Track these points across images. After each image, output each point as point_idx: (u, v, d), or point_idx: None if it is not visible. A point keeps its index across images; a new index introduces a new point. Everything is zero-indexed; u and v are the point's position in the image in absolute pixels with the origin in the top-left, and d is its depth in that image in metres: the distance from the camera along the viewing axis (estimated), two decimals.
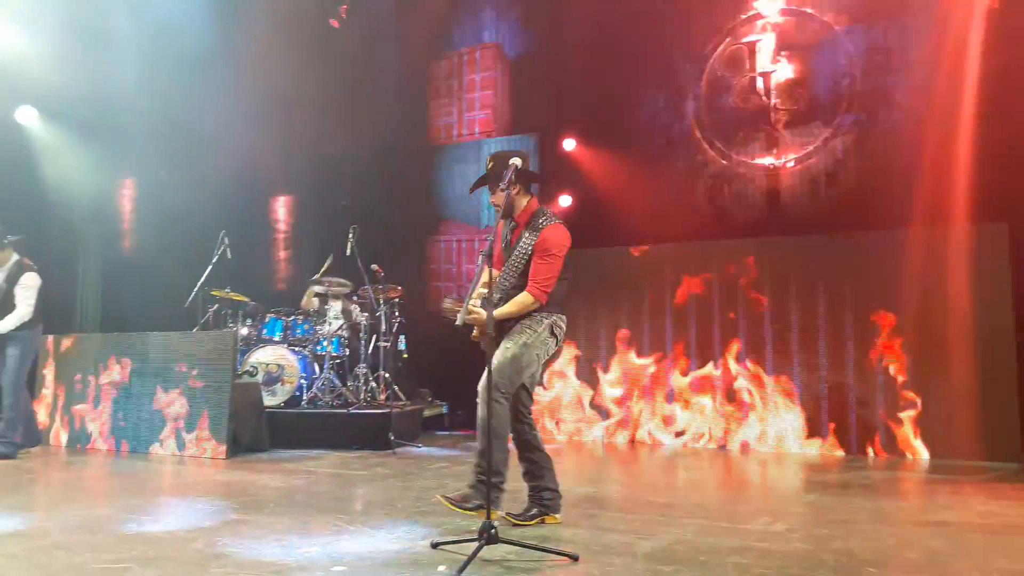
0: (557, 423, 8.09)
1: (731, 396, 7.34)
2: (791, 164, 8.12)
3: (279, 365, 7.68)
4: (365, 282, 7.86)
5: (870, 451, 6.76)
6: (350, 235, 7.90)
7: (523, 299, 3.99)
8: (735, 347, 7.37)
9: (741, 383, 7.31)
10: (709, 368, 7.45)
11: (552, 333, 4.06)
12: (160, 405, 6.91)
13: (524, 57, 9.89)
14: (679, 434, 7.52)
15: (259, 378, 7.54)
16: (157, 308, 8.64)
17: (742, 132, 8.37)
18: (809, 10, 8.13)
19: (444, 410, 9.05)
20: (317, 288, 8.11)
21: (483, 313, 3.99)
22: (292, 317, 8.12)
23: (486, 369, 3.70)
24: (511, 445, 4.05)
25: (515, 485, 4.14)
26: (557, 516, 4.08)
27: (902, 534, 3.86)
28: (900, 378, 6.74)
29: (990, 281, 6.50)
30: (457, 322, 3.83)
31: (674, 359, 7.62)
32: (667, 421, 7.59)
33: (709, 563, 3.30)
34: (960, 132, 7.09)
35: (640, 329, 7.82)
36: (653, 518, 4.22)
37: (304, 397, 7.71)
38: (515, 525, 3.96)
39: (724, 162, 8.43)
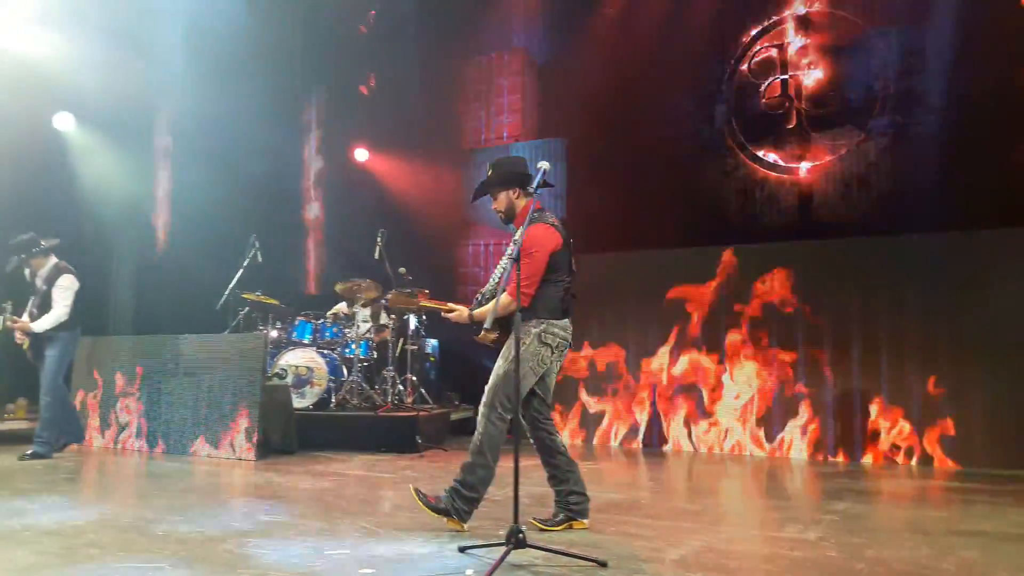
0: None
1: (761, 402, 7.26)
2: (823, 168, 8.04)
3: (308, 368, 7.74)
4: (392, 286, 7.90)
5: (904, 459, 6.65)
6: (379, 239, 7.95)
7: (501, 300, 3.94)
8: (765, 352, 7.28)
9: (772, 389, 7.22)
10: (738, 373, 7.38)
11: (542, 342, 3.96)
12: (191, 407, 7.00)
13: (552, 62, 9.90)
14: (708, 439, 7.46)
15: (289, 380, 7.60)
16: (189, 310, 8.75)
17: (773, 135, 8.30)
18: (842, 12, 8.05)
19: (471, 414, 9.05)
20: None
21: (463, 310, 4.11)
22: (321, 320, 8.18)
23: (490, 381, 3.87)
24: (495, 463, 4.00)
25: (541, 490, 4.13)
26: (585, 521, 4.06)
27: (937, 543, 3.79)
28: (934, 385, 6.62)
29: None
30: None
31: (702, 363, 7.55)
32: (695, 427, 7.52)
33: (739, 571, 3.27)
34: (995, 135, 6.99)
35: (665, 333, 7.75)
36: (682, 524, 4.18)
37: (333, 400, 7.77)
38: (542, 530, 3.95)
39: (754, 166, 8.37)
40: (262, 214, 9.27)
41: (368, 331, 8.05)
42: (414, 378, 8.19)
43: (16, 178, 8.68)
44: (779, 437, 7.15)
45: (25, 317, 6.63)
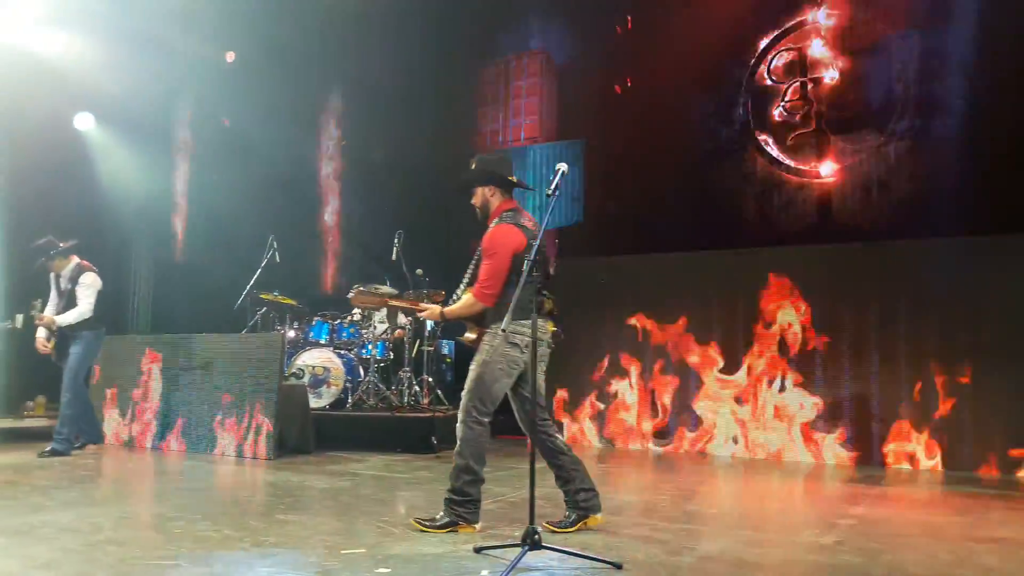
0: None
1: (777, 406, 7.21)
2: (843, 171, 7.99)
3: (325, 368, 7.78)
4: (410, 287, 7.92)
5: (922, 464, 6.58)
6: (396, 241, 7.97)
7: (466, 299, 4.01)
8: (782, 356, 7.23)
9: (789, 393, 7.18)
10: (754, 377, 7.33)
11: (509, 342, 3.89)
12: (208, 405, 7.04)
13: (571, 63, 9.89)
14: (725, 442, 7.42)
15: (306, 380, 7.64)
16: (207, 310, 8.83)
17: (792, 138, 8.25)
18: (862, 14, 8.00)
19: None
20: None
21: (435, 308, 4.16)
22: (338, 321, 8.22)
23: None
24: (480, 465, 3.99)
25: (551, 491, 4.12)
26: (599, 516, 4.04)
27: (956, 550, 3.75)
28: (955, 390, 6.54)
29: None
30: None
31: (719, 367, 7.51)
32: (711, 430, 7.48)
33: (756, 575, 3.24)
34: (1015, 138, 6.92)
35: (681, 337, 7.71)
36: (698, 528, 4.17)
37: (349, 400, 7.79)
38: (555, 532, 3.94)
39: (773, 168, 8.33)
40: (280, 214, 9.33)
41: (385, 332, 8.08)
42: (430, 379, 8.20)
43: (38, 178, 8.79)
44: (798, 441, 7.10)
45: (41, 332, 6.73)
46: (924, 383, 6.66)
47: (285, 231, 8.64)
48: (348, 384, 7.82)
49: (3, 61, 8.39)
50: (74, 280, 6.70)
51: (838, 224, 7.94)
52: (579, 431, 8.05)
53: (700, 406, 7.54)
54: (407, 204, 9.79)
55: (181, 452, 7.06)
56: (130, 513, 4.28)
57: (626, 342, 7.91)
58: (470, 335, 4.11)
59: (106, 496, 4.92)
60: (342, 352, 7.93)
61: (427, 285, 8.04)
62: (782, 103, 8.34)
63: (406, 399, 7.79)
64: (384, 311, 8.22)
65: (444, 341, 9.20)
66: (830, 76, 8.13)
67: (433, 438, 7.06)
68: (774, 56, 8.43)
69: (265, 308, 8.21)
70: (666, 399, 7.70)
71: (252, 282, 8.03)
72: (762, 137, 8.43)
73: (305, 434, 7.12)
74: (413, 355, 8.10)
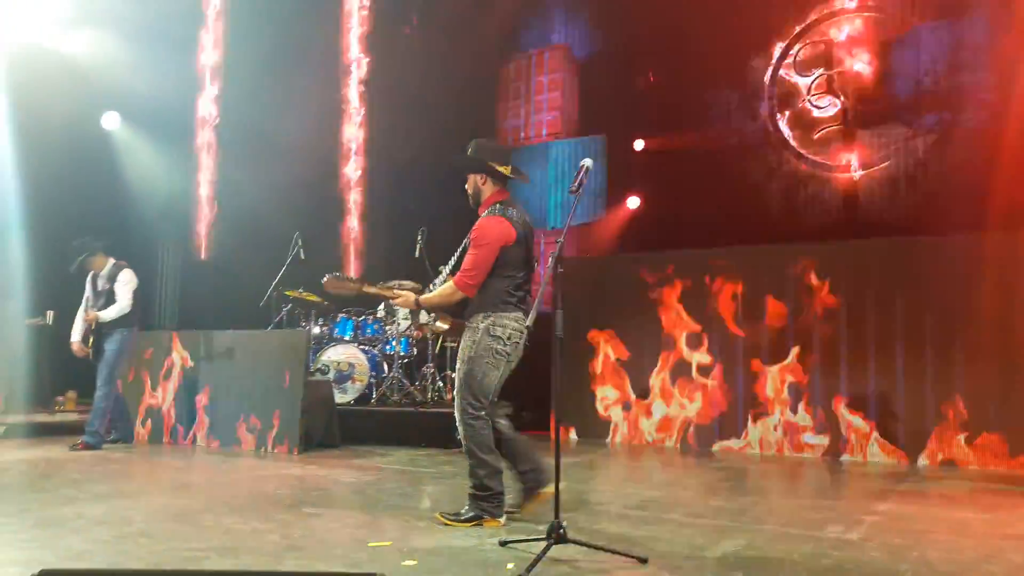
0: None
1: (802, 402, 7.16)
2: (869, 165, 7.91)
3: (350, 364, 7.85)
4: (433, 283, 7.94)
5: (949, 461, 6.51)
6: (419, 238, 8.01)
7: (446, 288, 3.99)
8: (808, 353, 7.17)
9: (814, 390, 7.12)
10: (778, 374, 7.28)
11: (491, 335, 3.92)
12: (235, 401, 7.13)
13: (593, 58, 9.87)
14: (754, 438, 7.38)
15: (331, 376, 7.71)
16: (233, 307, 8.92)
17: (818, 132, 8.18)
18: (891, 6, 7.91)
19: (509, 411, 9.07)
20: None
21: (409, 295, 4.12)
22: (362, 317, 8.28)
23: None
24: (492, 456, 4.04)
25: (580, 487, 4.13)
26: (548, 488, 3.98)
27: (983, 546, 3.71)
28: (982, 386, 6.47)
29: None
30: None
31: (742, 363, 7.47)
32: (734, 426, 7.44)
33: (781, 570, 3.24)
34: None
35: (707, 332, 7.67)
36: (723, 523, 4.16)
37: (373, 395, 7.85)
38: (514, 514, 3.98)
39: (798, 163, 8.26)
40: (304, 212, 9.40)
41: (408, 328, 8.13)
42: (453, 375, 8.21)
43: (65, 177, 8.92)
44: (823, 437, 7.04)
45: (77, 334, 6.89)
46: (951, 380, 6.58)
47: (310, 228, 8.71)
48: (372, 379, 7.88)
49: (30, 61, 8.53)
50: (112, 279, 6.87)
51: (865, 219, 7.86)
52: (608, 427, 8.04)
53: (728, 402, 7.50)
54: (430, 201, 9.82)
55: (208, 447, 7.15)
56: (160, 506, 4.35)
57: (651, 338, 7.88)
58: (442, 324, 4.12)
59: (136, 489, 5.00)
60: (366, 348, 7.99)
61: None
62: (808, 97, 8.27)
63: (429, 395, 7.83)
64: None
65: None
66: (857, 69, 8.04)
67: (456, 433, 7.07)
68: (800, 49, 8.35)
69: (290, 305, 8.29)
70: (696, 395, 7.66)
71: (277, 279, 8.11)
72: (787, 131, 8.36)
73: (331, 429, 7.19)
74: (436, 351, 8.14)
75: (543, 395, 7.59)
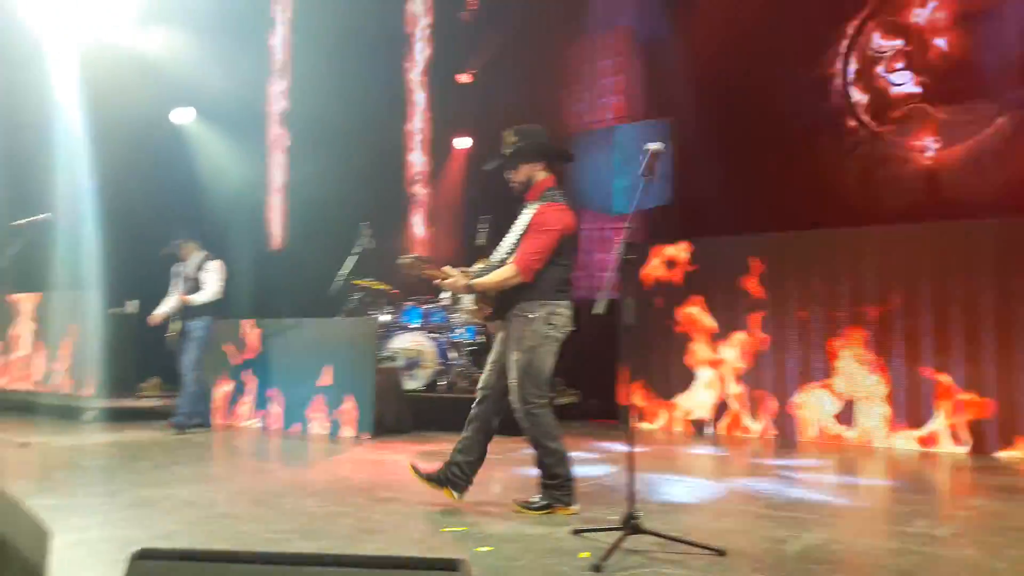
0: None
1: (886, 391, 6.93)
2: (951, 145, 7.57)
3: (418, 351, 7.92)
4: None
5: None
6: (483, 226, 8.01)
7: (504, 271, 3.86)
8: (889, 340, 6.93)
9: (896, 378, 6.88)
10: (861, 361, 7.06)
11: (548, 323, 3.89)
12: (308, 387, 7.28)
13: (658, 39, 9.67)
14: (832, 427, 7.19)
15: (400, 363, 7.80)
16: (304, 296, 9.11)
17: (897, 110, 7.87)
18: None
19: (577, 399, 9.05)
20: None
21: (459, 277, 3.93)
22: (429, 305, 8.35)
23: (510, 381, 3.90)
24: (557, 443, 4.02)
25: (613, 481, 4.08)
26: (457, 495, 4.01)
27: None
28: None
29: None
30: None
31: (820, 350, 7.26)
32: (813, 416, 7.26)
33: (866, 566, 3.14)
34: None
35: (783, 319, 7.49)
36: (804, 515, 4.05)
37: (441, 382, 7.92)
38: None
39: (877, 143, 7.96)
40: (372, 202, 9.52)
41: (471, 316, 8.15)
42: None
43: (141, 171, 9.22)
44: (908, 428, 6.81)
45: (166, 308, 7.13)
46: None
47: (378, 218, 8.82)
48: (440, 366, 7.94)
49: (106, 58, 8.83)
50: (200, 267, 7.12)
51: (946, 201, 7.52)
52: (670, 418, 7.95)
53: (803, 391, 7.32)
54: (495, 189, 9.81)
55: (283, 432, 7.32)
56: (242, 489, 4.47)
57: (725, 326, 7.74)
58: (478, 309, 3.99)
59: (218, 472, 5.15)
60: (434, 335, 8.06)
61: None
62: (885, 74, 7.95)
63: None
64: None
65: None
66: (938, 43, 7.70)
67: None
68: (878, 23, 8.03)
69: (360, 293, 8.41)
70: (766, 385, 7.51)
71: (347, 268, 8.24)
72: (862, 111, 8.06)
73: (401, 415, 7.30)
74: None
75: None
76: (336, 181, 9.57)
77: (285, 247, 10.84)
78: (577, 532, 3.52)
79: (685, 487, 4.90)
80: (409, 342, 7.99)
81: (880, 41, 8.01)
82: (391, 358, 7.85)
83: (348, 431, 6.93)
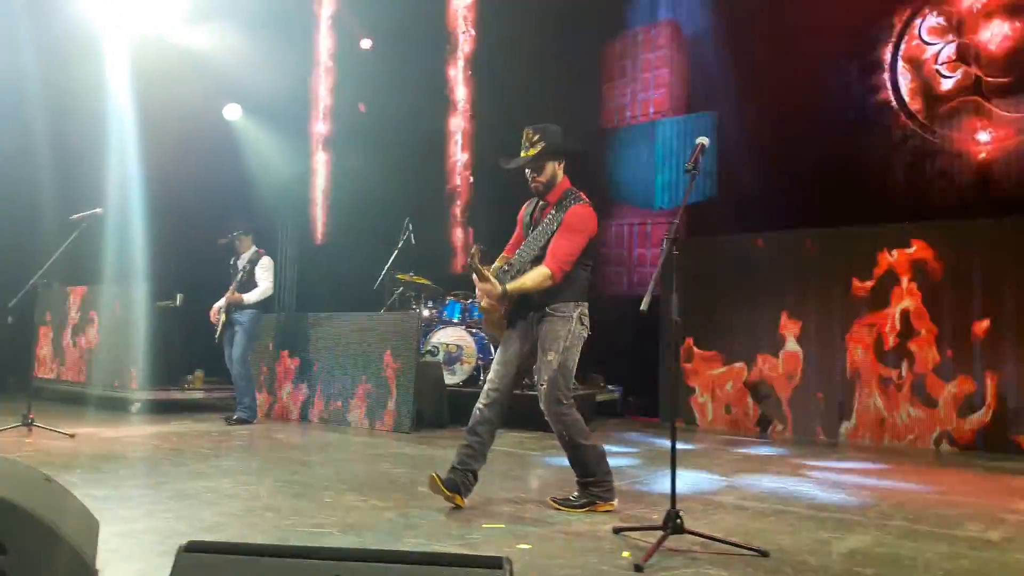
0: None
1: (932, 388, 6.77)
2: (1004, 139, 7.36)
3: (458, 346, 7.95)
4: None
5: None
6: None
7: (539, 273, 3.81)
8: (940, 338, 6.76)
9: (945, 378, 6.72)
10: (901, 360, 6.91)
11: (582, 323, 3.93)
12: (350, 381, 7.37)
13: (701, 32, 9.54)
14: (873, 427, 7.05)
15: (440, 358, 7.83)
16: (347, 291, 9.19)
17: (947, 104, 7.66)
18: None
19: (617, 395, 9.01)
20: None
21: (496, 285, 3.82)
22: (470, 300, 8.36)
23: (539, 387, 3.88)
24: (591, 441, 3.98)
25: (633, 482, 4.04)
26: (464, 500, 3.92)
27: None
28: None
29: None
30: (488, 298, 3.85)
31: (862, 350, 7.12)
32: (864, 415, 7.12)
33: (915, 569, 3.06)
34: None
35: (827, 316, 7.36)
36: (848, 516, 3.98)
37: (481, 377, 7.92)
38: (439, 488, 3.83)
39: (926, 137, 7.77)
40: (414, 198, 9.57)
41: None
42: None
43: (189, 166, 9.37)
44: (950, 429, 6.65)
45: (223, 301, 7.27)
46: None
47: (420, 214, 8.86)
48: (480, 361, 7.95)
49: (156, 55, 8.99)
50: (253, 263, 7.30)
51: (999, 197, 7.31)
52: (714, 409, 7.86)
53: (854, 390, 7.18)
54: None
55: (323, 425, 7.41)
56: (283, 482, 4.52)
57: (767, 323, 7.63)
58: (495, 305, 3.88)
59: (260, 465, 5.21)
60: (474, 331, 8.07)
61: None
62: (935, 66, 7.75)
63: (536, 378, 7.83)
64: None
65: None
66: (990, 35, 7.48)
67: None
68: (927, 15, 7.83)
69: (402, 288, 8.46)
70: (813, 385, 7.39)
71: (389, 263, 8.30)
72: (912, 104, 7.87)
73: (440, 409, 7.33)
74: None
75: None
76: (379, 176, 9.63)
77: (329, 242, 10.95)
78: (618, 531, 3.50)
79: (728, 486, 4.84)
80: (450, 337, 8.02)
81: (931, 35, 7.80)
82: (431, 352, 7.89)
83: (387, 424, 6.98)
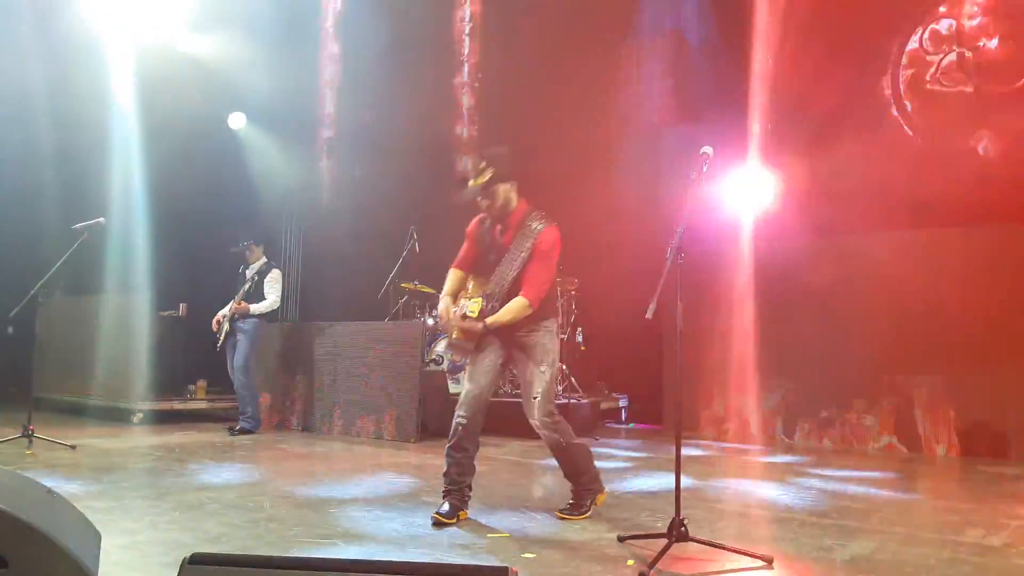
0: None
1: (936, 400, 6.76)
2: (1005, 146, 7.36)
3: None
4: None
5: None
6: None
7: (518, 305, 3.85)
8: (937, 348, 6.75)
9: (947, 386, 6.70)
10: (904, 371, 6.89)
11: (556, 336, 4.09)
12: (355, 390, 7.37)
13: (707, 43, 9.58)
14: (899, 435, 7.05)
15: (444, 366, 7.84)
16: (352, 300, 9.21)
17: (948, 112, 7.67)
18: None
19: (622, 403, 9.00)
20: None
21: (476, 325, 3.85)
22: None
23: (528, 398, 3.91)
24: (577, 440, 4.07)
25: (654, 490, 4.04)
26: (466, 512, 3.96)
27: None
28: None
29: None
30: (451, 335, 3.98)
31: (865, 359, 7.11)
32: (860, 422, 7.11)
33: (917, 575, 3.06)
34: None
35: (834, 327, 7.34)
36: (851, 523, 3.98)
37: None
38: (443, 523, 3.76)
39: (927, 145, 7.77)
40: (419, 206, 9.59)
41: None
42: (565, 367, 8.22)
43: (193, 175, 9.38)
44: (955, 437, 6.63)
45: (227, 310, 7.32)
46: None
47: (425, 222, 8.88)
48: None
49: (159, 62, 9.02)
50: (262, 274, 7.34)
51: (998, 204, 7.30)
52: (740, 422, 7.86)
53: (869, 401, 7.18)
54: (541, 194, 9.78)
55: (327, 434, 7.41)
56: (286, 492, 4.53)
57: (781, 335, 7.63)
58: (470, 322, 3.83)
59: (263, 476, 5.22)
60: None
61: (559, 274, 8.03)
62: (938, 75, 7.76)
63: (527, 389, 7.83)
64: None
65: (578, 329, 9.19)
66: (992, 45, 7.49)
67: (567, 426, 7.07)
68: (929, 23, 7.84)
69: (406, 297, 8.47)
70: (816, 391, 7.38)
71: (394, 272, 8.33)
72: (914, 111, 7.88)
73: (445, 418, 7.30)
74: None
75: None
76: (384, 185, 9.66)
77: (333, 251, 10.97)
78: (623, 539, 3.51)
79: (731, 493, 4.83)
80: None
81: (933, 45, 7.82)
82: (436, 361, 7.90)
83: (392, 434, 6.99)
